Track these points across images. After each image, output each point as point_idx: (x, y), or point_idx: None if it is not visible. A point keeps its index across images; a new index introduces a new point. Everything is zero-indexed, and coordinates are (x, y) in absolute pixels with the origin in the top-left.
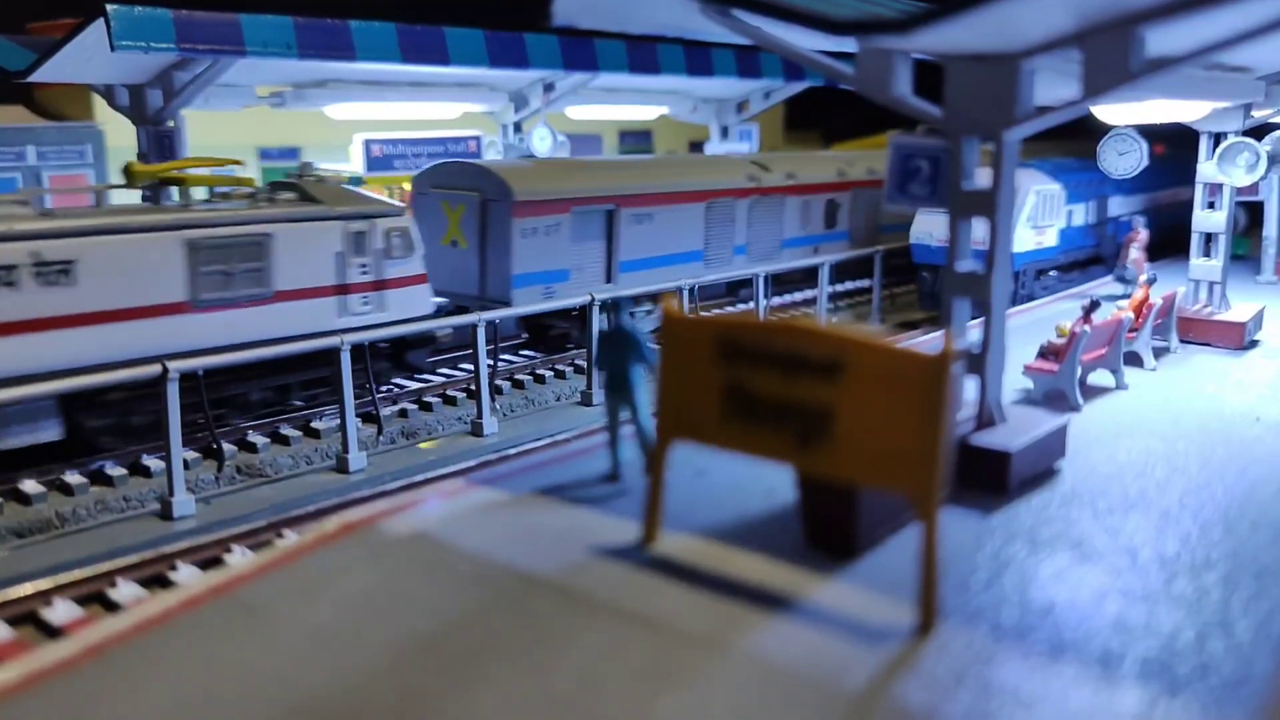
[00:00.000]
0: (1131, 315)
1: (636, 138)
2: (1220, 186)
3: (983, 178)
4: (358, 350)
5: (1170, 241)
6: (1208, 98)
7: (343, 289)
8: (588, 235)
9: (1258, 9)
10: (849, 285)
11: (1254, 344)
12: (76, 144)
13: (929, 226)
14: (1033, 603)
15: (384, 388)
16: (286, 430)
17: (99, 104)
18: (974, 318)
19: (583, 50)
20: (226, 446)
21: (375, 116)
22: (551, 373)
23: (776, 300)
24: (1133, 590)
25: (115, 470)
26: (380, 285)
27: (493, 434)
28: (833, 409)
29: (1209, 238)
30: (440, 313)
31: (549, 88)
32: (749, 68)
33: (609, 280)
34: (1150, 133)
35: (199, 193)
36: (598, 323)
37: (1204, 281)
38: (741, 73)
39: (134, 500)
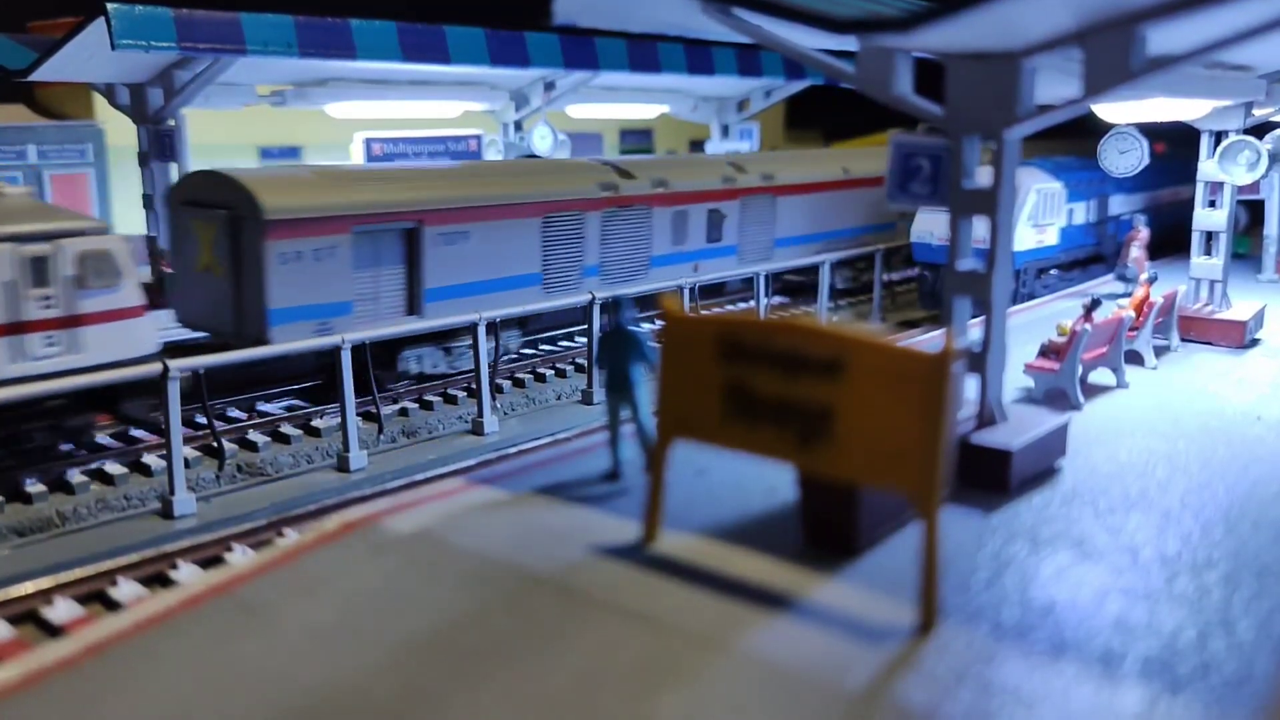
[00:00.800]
0: (1132, 314)
1: (637, 136)
2: (1221, 185)
3: (984, 176)
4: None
5: (1171, 240)
6: (1209, 96)
7: (15, 328)
8: (380, 259)
9: (1258, 8)
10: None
11: (1255, 343)
12: (77, 143)
13: (930, 225)
14: (1034, 602)
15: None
16: (287, 429)
17: (100, 103)
18: (975, 316)
19: (583, 49)
20: (227, 445)
21: (376, 115)
22: (552, 372)
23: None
24: (1134, 589)
25: (116, 469)
26: (73, 321)
27: (493, 433)
28: (833, 408)
29: (1210, 236)
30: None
31: (550, 86)
32: (750, 66)
33: (412, 312)
34: (1151, 131)
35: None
36: (597, 323)
37: (1205, 280)
38: (742, 71)
39: (135, 499)
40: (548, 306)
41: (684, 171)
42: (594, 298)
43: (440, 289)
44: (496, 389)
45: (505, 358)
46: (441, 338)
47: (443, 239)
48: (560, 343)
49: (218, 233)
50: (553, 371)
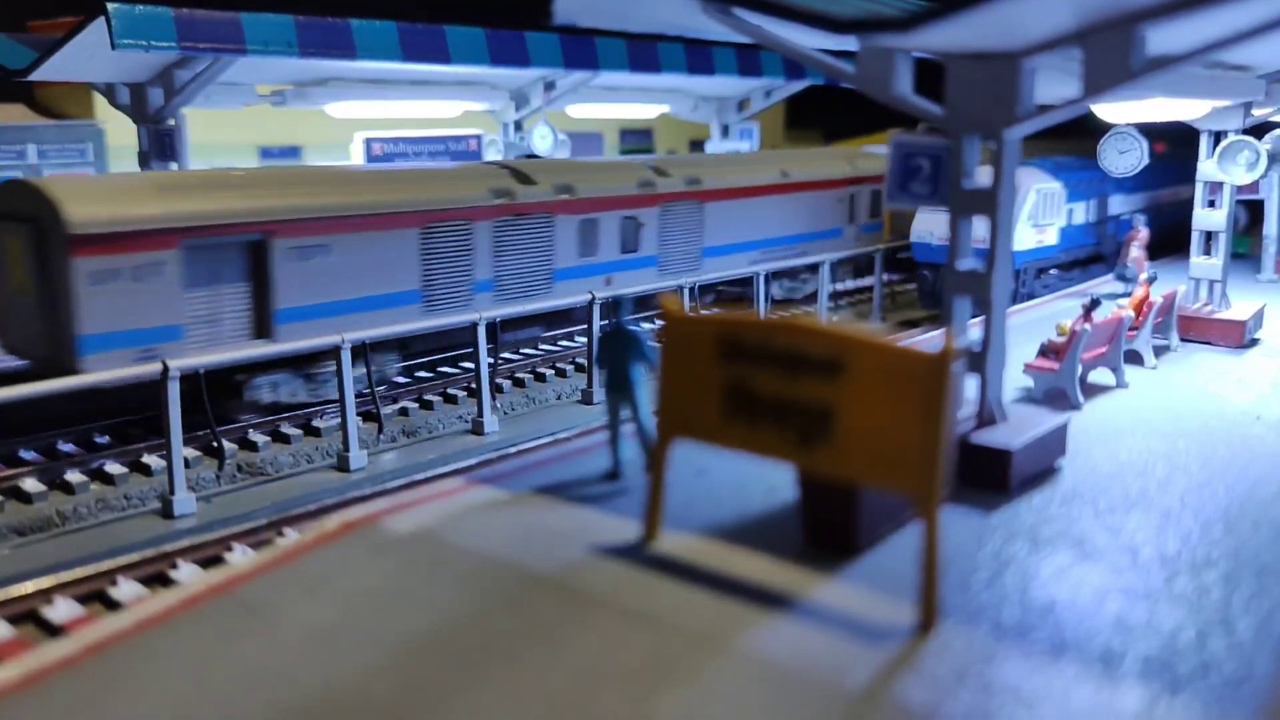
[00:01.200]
0: (1132, 314)
1: (637, 136)
2: (1220, 185)
3: (983, 176)
4: None
5: (1171, 240)
6: (1208, 96)
7: None
8: (218, 277)
9: (1258, 8)
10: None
11: (1254, 342)
12: (77, 142)
13: (930, 225)
14: (1034, 601)
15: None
16: (287, 429)
17: (100, 102)
18: (974, 316)
19: (584, 49)
20: (227, 445)
21: (376, 115)
22: (552, 371)
23: None
24: (1134, 589)
25: (116, 468)
26: None
27: (493, 432)
28: (833, 407)
29: (1209, 236)
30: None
31: (550, 86)
32: (750, 66)
33: (261, 335)
34: (1151, 131)
35: None
36: (597, 324)
37: (1204, 280)
38: (742, 71)
39: (135, 498)
40: (555, 305)
41: (594, 176)
42: (594, 297)
43: (295, 309)
44: (496, 388)
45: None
46: (301, 363)
47: (296, 253)
48: (560, 342)
49: (24, 249)
50: (553, 371)
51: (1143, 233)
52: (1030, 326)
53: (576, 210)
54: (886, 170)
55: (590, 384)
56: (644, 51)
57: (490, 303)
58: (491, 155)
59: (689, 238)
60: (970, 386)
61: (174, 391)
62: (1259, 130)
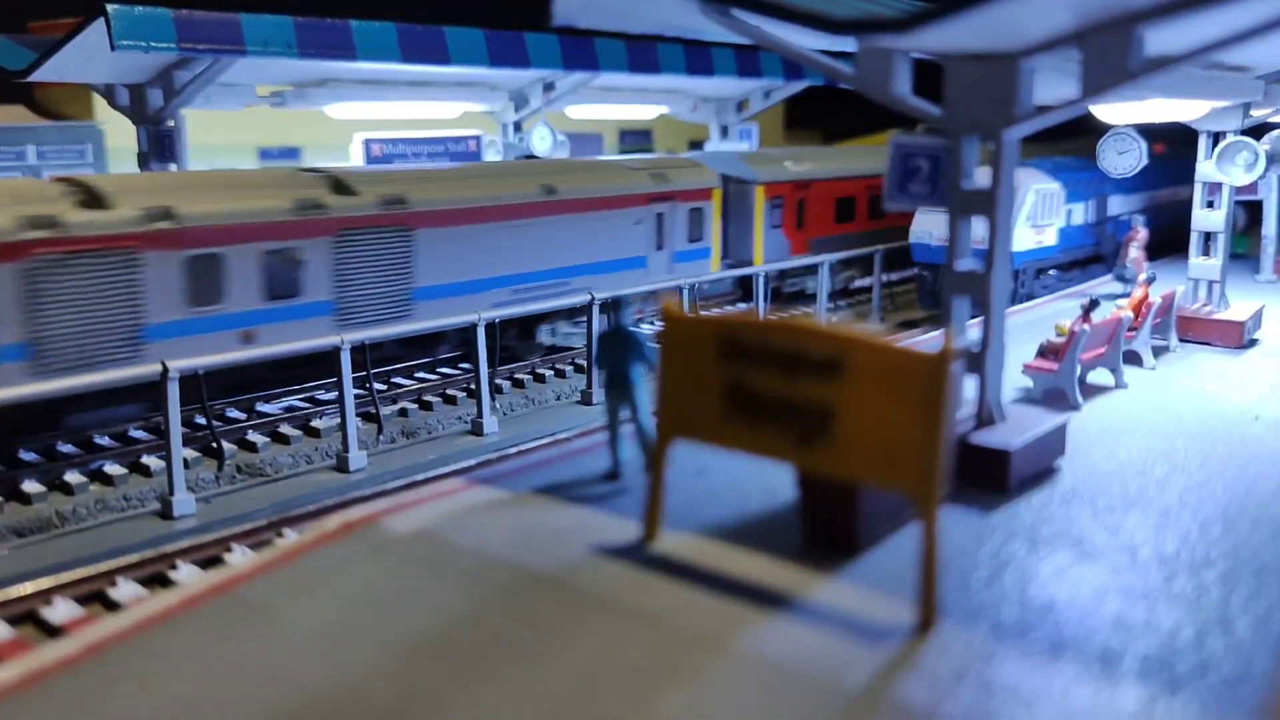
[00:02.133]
0: (1131, 314)
1: (637, 137)
2: (1219, 185)
3: (982, 177)
4: None
5: (1170, 240)
6: (1207, 97)
7: None
8: None
9: (1257, 8)
10: None
11: (1253, 343)
12: (77, 143)
13: (929, 225)
14: (1033, 601)
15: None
16: (287, 429)
17: (99, 103)
18: (974, 316)
19: (583, 49)
20: (226, 446)
21: (375, 116)
22: (552, 372)
23: None
24: (1132, 588)
25: (115, 469)
26: None
27: (493, 433)
28: (833, 407)
29: (1208, 236)
30: None
31: (549, 87)
32: (749, 67)
33: None
34: (1149, 132)
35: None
36: (597, 323)
37: (1203, 280)
38: (741, 72)
39: (134, 499)
40: (561, 305)
41: (217, 195)
42: (593, 298)
43: None
44: (496, 389)
45: None
46: None
47: None
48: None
49: None
50: (552, 371)
51: (1141, 233)
52: (1029, 327)
53: (181, 243)
54: (885, 170)
55: (590, 384)
56: (643, 52)
57: (22, 375)
58: (491, 156)
59: (389, 276)
60: (970, 386)
61: (174, 392)
62: (1257, 131)
